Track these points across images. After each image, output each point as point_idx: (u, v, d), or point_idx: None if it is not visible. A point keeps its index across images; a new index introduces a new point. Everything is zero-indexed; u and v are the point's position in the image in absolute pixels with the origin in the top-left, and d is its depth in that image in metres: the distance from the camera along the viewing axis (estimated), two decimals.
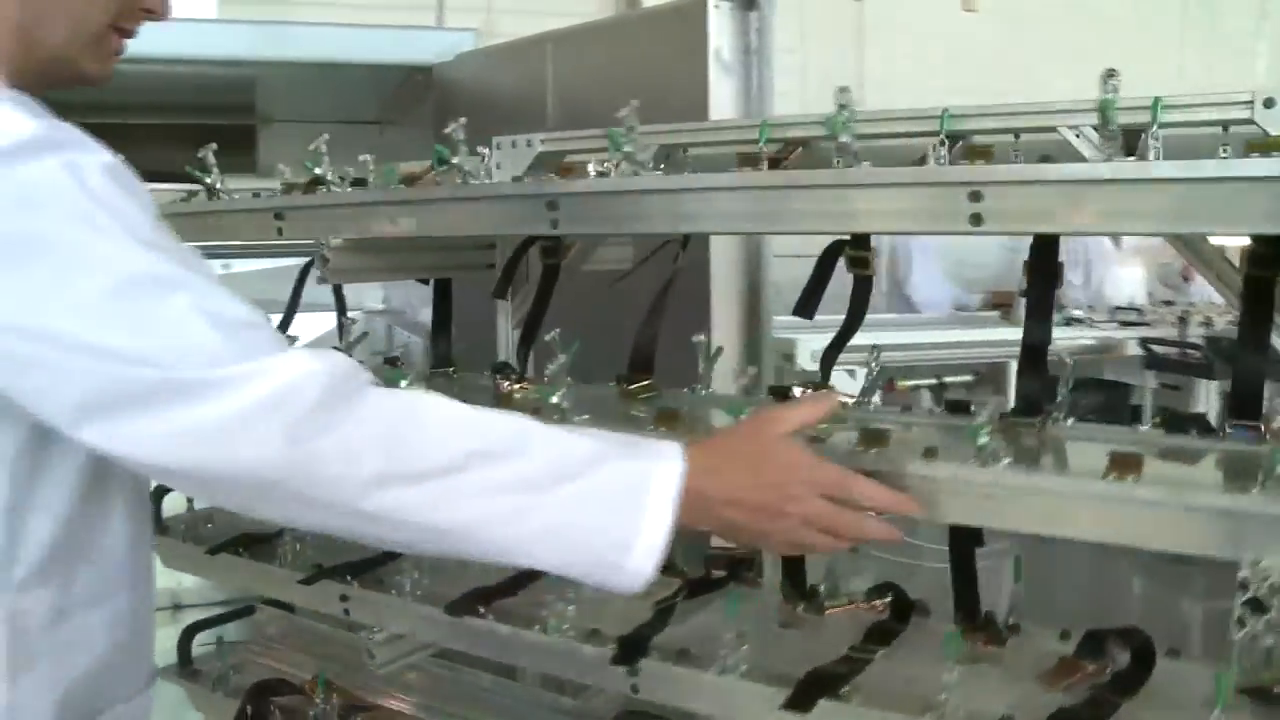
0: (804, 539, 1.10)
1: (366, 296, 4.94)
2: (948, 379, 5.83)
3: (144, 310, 0.99)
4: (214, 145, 1.65)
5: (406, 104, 3.72)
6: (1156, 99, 1.16)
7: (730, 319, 2.35)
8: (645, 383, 1.62)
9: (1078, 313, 6.32)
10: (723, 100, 2.25)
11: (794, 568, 1.59)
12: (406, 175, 1.71)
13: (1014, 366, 5.03)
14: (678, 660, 1.39)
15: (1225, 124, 1.16)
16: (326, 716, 1.76)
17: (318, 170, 1.60)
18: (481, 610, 1.55)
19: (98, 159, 1.03)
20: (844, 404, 1.42)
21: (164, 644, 1.63)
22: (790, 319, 6.16)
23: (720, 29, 2.27)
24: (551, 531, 1.03)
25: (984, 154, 1.32)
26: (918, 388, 6.08)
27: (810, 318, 1.68)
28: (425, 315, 2.42)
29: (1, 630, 1.06)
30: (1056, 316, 6.69)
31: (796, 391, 1.54)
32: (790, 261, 7.67)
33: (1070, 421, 1.36)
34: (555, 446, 1.04)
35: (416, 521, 1.01)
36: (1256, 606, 1.03)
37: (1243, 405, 1.29)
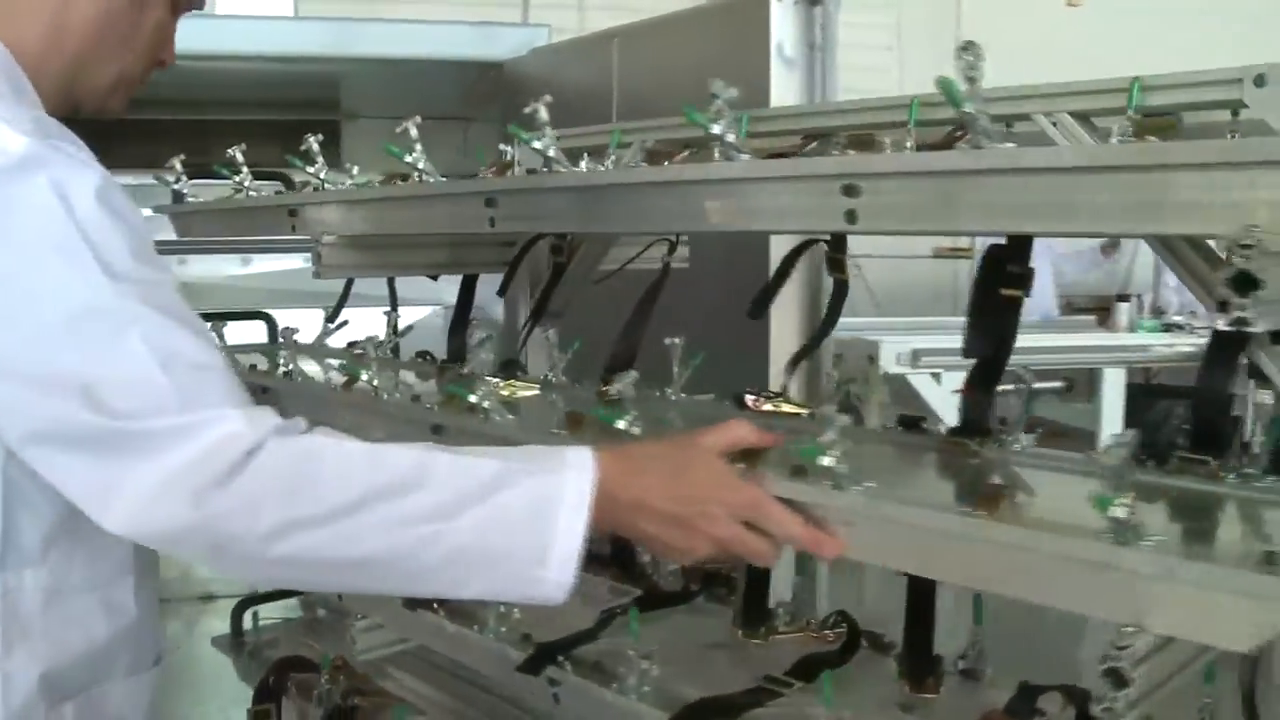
0: (710, 556, 1.08)
1: (446, 293, 4.97)
2: (1037, 385, 5.67)
3: (96, 347, 1.02)
4: (319, 136, 1.67)
5: (485, 100, 3.73)
6: (1135, 80, 1.06)
7: (790, 322, 2.29)
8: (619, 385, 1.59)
9: (1177, 318, 6.10)
10: (785, 95, 2.21)
11: (755, 590, 1.55)
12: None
13: (1108, 374, 4.92)
14: (589, 673, 1.39)
15: (1228, 106, 1.00)
16: (330, 695, 1.82)
17: (407, 158, 1.52)
18: (435, 606, 1.61)
19: (88, 181, 1.05)
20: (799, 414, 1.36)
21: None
22: (874, 320, 6.14)
23: (783, 24, 2.23)
24: (464, 556, 1.03)
25: (866, 144, 1.24)
26: (1004, 393, 5.93)
27: (756, 318, 1.64)
28: (499, 312, 2.41)
29: None
30: (1154, 322, 6.49)
31: (749, 399, 1.46)
32: (878, 263, 7.54)
33: (1024, 441, 1.31)
34: (456, 473, 1.04)
35: (329, 560, 1.04)
36: (1117, 680, 0.91)
37: (1203, 433, 1.17)
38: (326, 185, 1.89)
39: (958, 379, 5.11)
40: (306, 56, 3.50)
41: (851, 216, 1.10)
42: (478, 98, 3.81)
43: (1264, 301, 0.81)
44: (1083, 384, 6.20)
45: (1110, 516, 0.89)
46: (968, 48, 1.03)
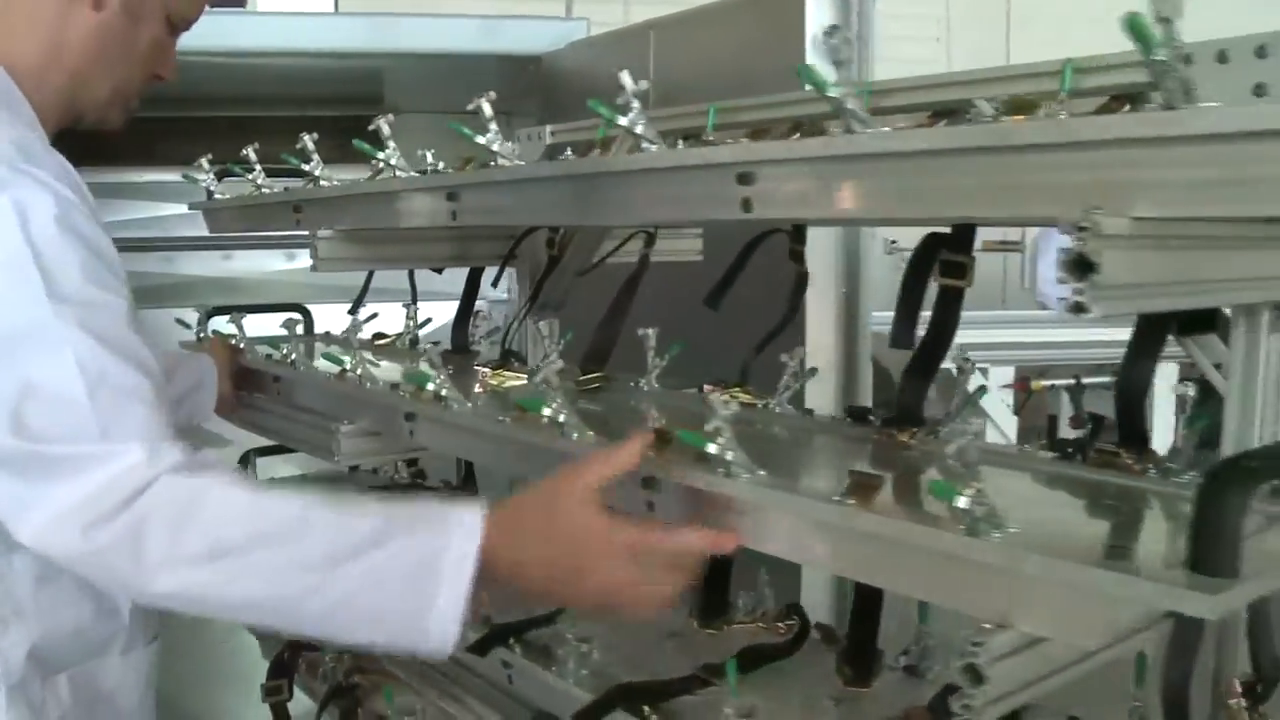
0: (608, 604, 1.12)
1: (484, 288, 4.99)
2: (1086, 380, 5.58)
3: (26, 366, 1.10)
4: (390, 116, 1.68)
5: (524, 93, 3.72)
6: (1069, 61, 1.04)
7: (827, 315, 2.26)
8: (597, 374, 1.68)
9: None
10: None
11: (715, 580, 1.58)
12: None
13: (1161, 369, 4.76)
14: (536, 656, 1.46)
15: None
16: (333, 673, 1.91)
17: (490, 144, 1.47)
18: None
19: (48, 204, 1.13)
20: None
21: None
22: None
23: (818, 13, 2.19)
24: (347, 608, 1.08)
25: (760, 132, 1.25)
26: (1053, 388, 5.84)
27: (713, 308, 1.65)
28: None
29: None
30: None
31: (707, 389, 1.49)
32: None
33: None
34: (336, 529, 1.09)
35: (214, 599, 1.09)
36: (974, 676, 0.89)
37: (1123, 426, 1.19)
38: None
39: (1005, 374, 5.14)
40: (347, 52, 3.51)
41: (747, 205, 1.12)
42: (518, 91, 3.81)
43: (1102, 286, 0.80)
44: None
45: (954, 506, 0.92)
46: (832, 32, 1.05)
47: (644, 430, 1.16)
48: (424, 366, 1.52)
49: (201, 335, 2.28)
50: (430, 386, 1.52)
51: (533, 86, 3.50)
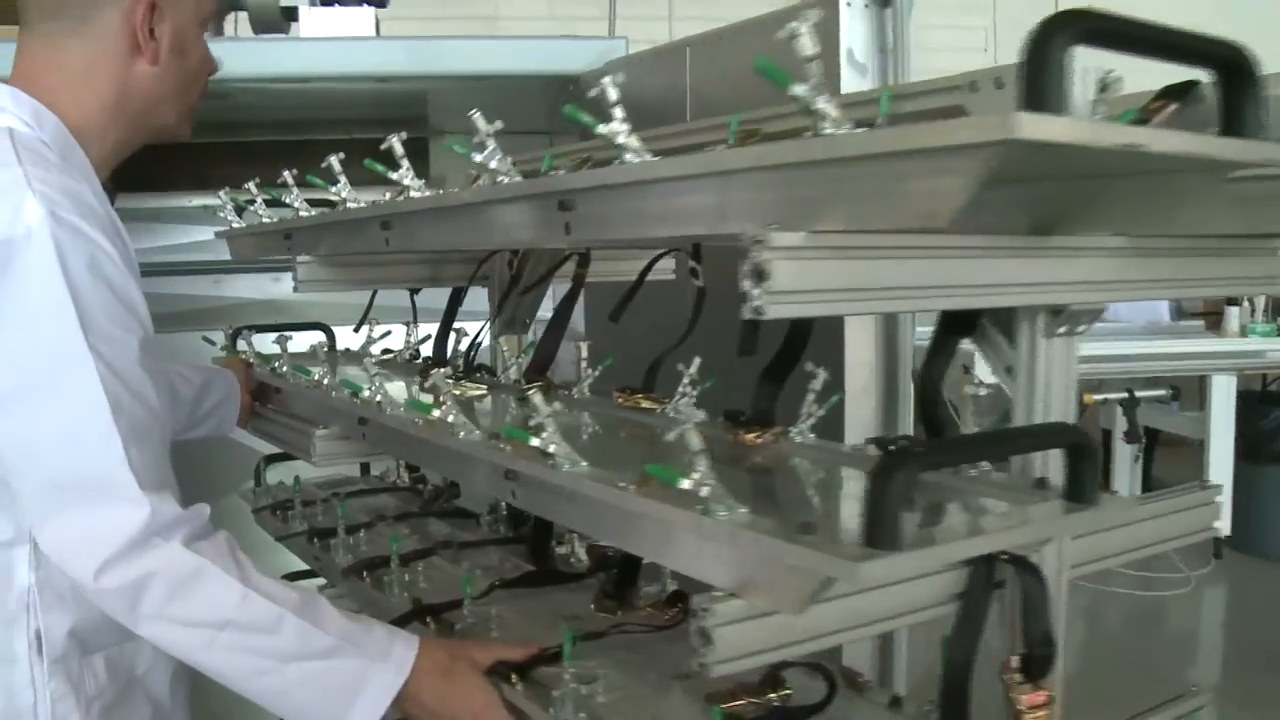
0: None
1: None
2: (1140, 393, 5.49)
3: (62, 395, 1.27)
4: (401, 135, 1.77)
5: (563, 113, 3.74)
6: (889, 88, 1.13)
7: (865, 336, 2.23)
8: (539, 383, 1.87)
9: None
10: None
11: (625, 571, 1.78)
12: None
13: (1218, 381, 4.79)
14: (447, 632, 1.70)
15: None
16: None
17: (483, 160, 1.51)
18: (364, 575, 1.98)
19: (84, 252, 1.29)
20: None
21: None
22: None
23: (853, 28, 2.16)
24: (283, 695, 1.35)
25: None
26: (1106, 401, 5.75)
27: (615, 321, 1.82)
28: (581, 327, 2.53)
29: (32, 575, 1.38)
30: (1268, 326, 6.27)
31: (615, 395, 1.78)
32: None
33: (810, 436, 1.49)
34: (300, 634, 1.33)
35: (183, 654, 1.34)
36: (703, 637, 1.03)
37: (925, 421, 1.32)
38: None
39: None
40: (389, 75, 3.55)
41: (568, 229, 1.31)
42: (559, 110, 3.82)
43: (774, 291, 0.93)
44: (1193, 392, 5.98)
45: (679, 488, 1.09)
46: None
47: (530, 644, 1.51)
48: (369, 379, 1.80)
49: (225, 349, 2.46)
50: (365, 393, 1.79)
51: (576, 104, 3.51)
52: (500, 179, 1.42)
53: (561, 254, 2.05)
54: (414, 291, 2.38)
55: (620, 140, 1.22)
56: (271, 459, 2.67)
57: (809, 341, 1.54)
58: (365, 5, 3.79)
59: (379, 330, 2.37)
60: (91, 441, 1.28)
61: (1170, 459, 6.79)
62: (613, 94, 1.25)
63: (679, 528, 1.14)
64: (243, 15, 4.08)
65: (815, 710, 1.37)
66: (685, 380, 1.64)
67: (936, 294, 1.10)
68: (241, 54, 3.43)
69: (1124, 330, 6.73)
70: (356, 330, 2.38)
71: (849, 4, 2.17)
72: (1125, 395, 5.46)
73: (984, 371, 4.59)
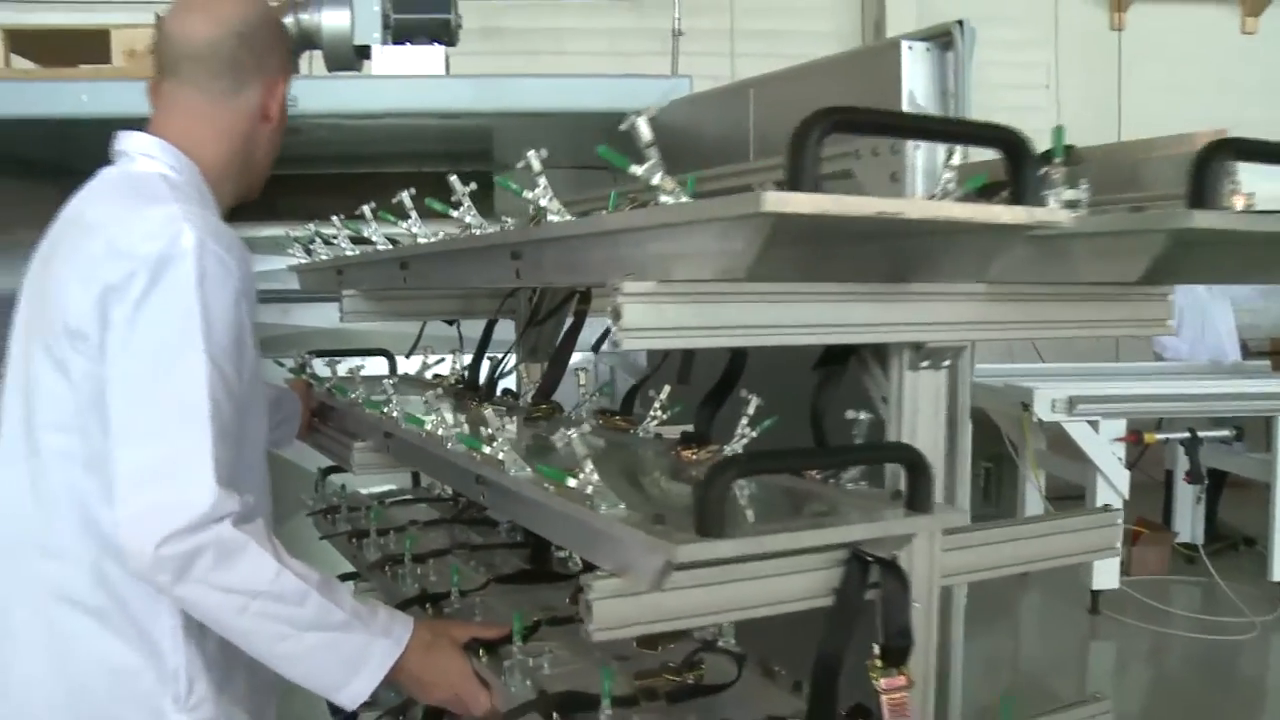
0: (439, 705, 1.74)
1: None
2: (1204, 434, 5.43)
3: (174, 384, 1.50)
4: (470, 185, 1.89)
5: (633, 148, 3.79)
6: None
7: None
8: (546, 405, 2.14)
9: None
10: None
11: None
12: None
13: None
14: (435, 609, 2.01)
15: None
16: None
17: (537, 199, 1.59)
18: (386, 569, 2.29)
19: (220, 276, 1.53)
20: None
21: None
22: (1032, 366, 6.02)
23: (914, 71, 2.18)
24: (296, 659, 1.56)
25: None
26: (1167, 441, 5.70)
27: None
28: (642, 359, 2.60)
29: None
30: None
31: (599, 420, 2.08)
32: None
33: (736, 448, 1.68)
34: (320, 608, 1.54)
35: (212, 616, 1.51)
36: (588, 609, 1.24)
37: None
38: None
39: (1117, 427, 5.05)
40: (458, 112, 3.63)
41: (518, 274, 1.59)
42: (629, 146, 3.88)
43: (626, 328, 1.17)
44: (1259, 433, 5.90)
45: (568, 485, 1.36)
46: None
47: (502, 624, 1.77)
48: (389, 401, 2.10)
49: (294, 371, 2.71)
50: (388, 409, 2.08)
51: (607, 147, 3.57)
52: (552, 217, 1.52)
53: (565, 292, 2.22)
54: (450, 322, 2.64)
55: (655, 181, 1.30)
56: (330, 470, 2.89)
57: (744, 371, 1.74)
58: (435, 44, 3.90)
59: (433, 358, 2.57)
60: (187, 431, 1.48)
61: (1238, 500, 6.70)
62: (645, 133, 1.32)
63: (573, 519, 1.37)
64: (317, 53, 4.22)
65: (717, 690, 1.61)
66: (744, 420, 1.73)
67: (780, 332, 1.27)
68: (316, 91, 3.54)
69: (1187, 369, 6.67)
70: (408, 357, 2.63)
71: (910, 48, 2.19)
72: (1187, 435, 5.41)
73: (1042, 409, 4.55)
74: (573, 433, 1.33)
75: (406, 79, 3.74)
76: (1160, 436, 5.61)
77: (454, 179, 1.86)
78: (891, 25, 8.12)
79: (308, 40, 4.15)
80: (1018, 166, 1.28)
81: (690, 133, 3.15)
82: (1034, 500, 6.11)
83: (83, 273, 1.53)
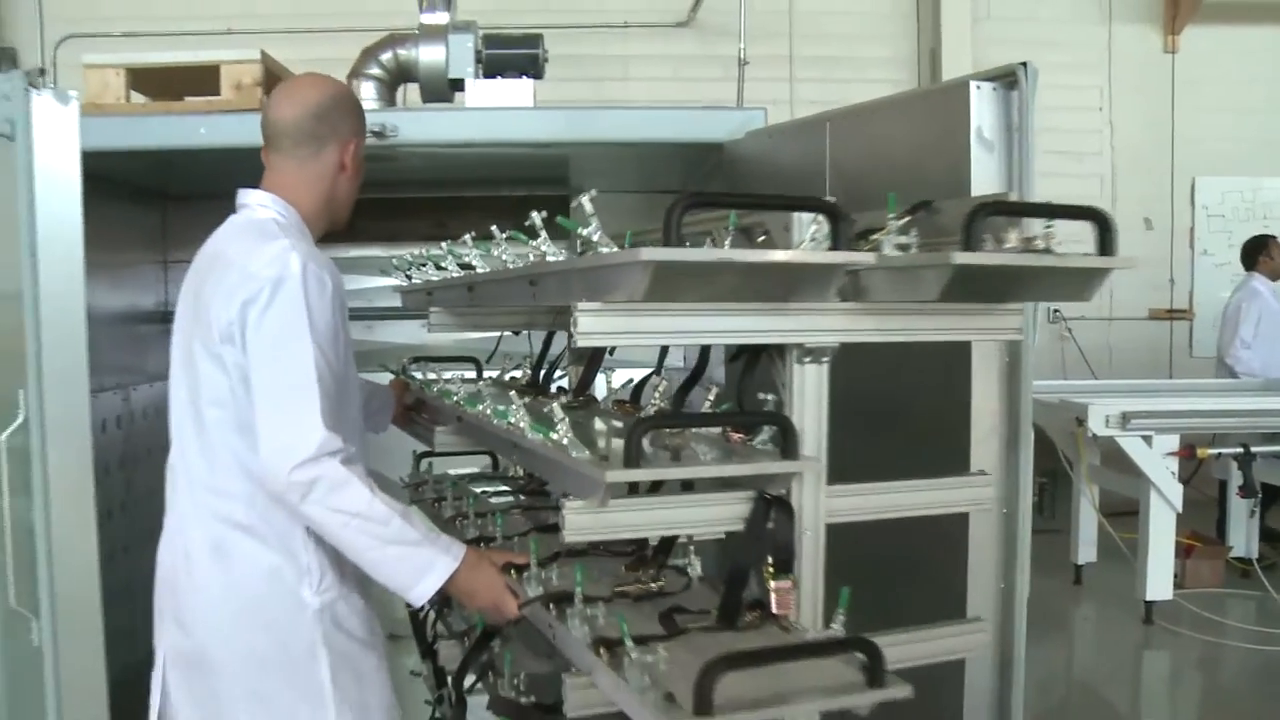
0: (480, 610, 2.23)
1: (674, 355, 5.29)
2: (1257, 449, 5.54)
3: (290, 362, 2.08)
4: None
5: (706, 176, 4.01)
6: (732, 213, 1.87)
7: (990, 385, 2.44)
8: (582, 398, 2.58)
9: None
10: (984, 174, 2.38)
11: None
12: None
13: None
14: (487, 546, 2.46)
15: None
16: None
17: (589, 235, 1.94)
18: (457, 523, 2.79)
19: (318, 293, 2.12)
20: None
21: None
22: (1087, 383, 6.24)
23: (982, 109, 2.39)
24: (381, 565, 2.10)
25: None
26: (1220, 455, 5.81)
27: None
28: (720, 374, 2.84)
29: None
30: None
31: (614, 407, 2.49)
32: (1091, 325, 7.47)
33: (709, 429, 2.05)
34: (400, 529, 2.07)
35: (322, 527, 2.08)
36: (563, 520, 1.84)
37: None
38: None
39: (1171, 442, 5.27)
40: (548, 142, 3.86)
41: (535, 296, 2.15)
42: (702, 174, 4.10)
43: (582, 333, 1.72)
44: None
45: (551, 437, 1.88)
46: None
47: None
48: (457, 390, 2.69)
49: (395, 373, 3.25)
50: (459, 400, 2.59)
51: (715, 170, 3.79)
52: (601, 249, 1.92)
53: None
54: (515, 333, 3.13)
55: (595, 239, 1.92)
56: (424, 454, 3.40)
57: (707, 366, 2.28)
58: (524, 77, 4.13)
59: (512, 363, 3.21)
60: (302, 390, 2.06)
61: None
62: (589, 208, 1.92)
63: (559, 461, 1.89)
64: (413, 86, 4.47)
65: (672, 595, 2.08)
66: (658, 391, 2.25)
67: (690, 336, 1.83)
68: (414, 122, 3.81)
69: (1243, 386, 6.77)
70: (487, 363, 3.28)
71: (978, 87, 2.40)
72: (1240, 450, 5.52)
73: (1096, 424, 4.70)
74: (555, 405, 1.97)
75: (497, 111, 3.98)
76: (1213, 451, 5.72)
77: (536, 215, 2.22)
78: (947, 52, 8.27)
79: (405, 74, 4.40)
80: (834, 224, 1.77)
81: (767, 162, 3.37)
82: (1087, 514, 6.23)
83: (226, 293, 2.12)
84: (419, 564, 2.09)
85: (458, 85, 4.26)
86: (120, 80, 4.08)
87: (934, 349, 2.02)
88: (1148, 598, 5.64)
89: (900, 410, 2.62)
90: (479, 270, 2.62)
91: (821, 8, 8.43)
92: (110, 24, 7.70)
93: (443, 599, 2.42)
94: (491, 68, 4.21)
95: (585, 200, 1.92)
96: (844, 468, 1.96)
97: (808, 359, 1.88)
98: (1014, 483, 2.43)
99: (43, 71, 2.82)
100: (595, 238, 1.92)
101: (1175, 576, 5.80)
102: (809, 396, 1.89)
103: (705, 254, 1.69)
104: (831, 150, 2.89)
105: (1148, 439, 5.45)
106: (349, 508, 2.04)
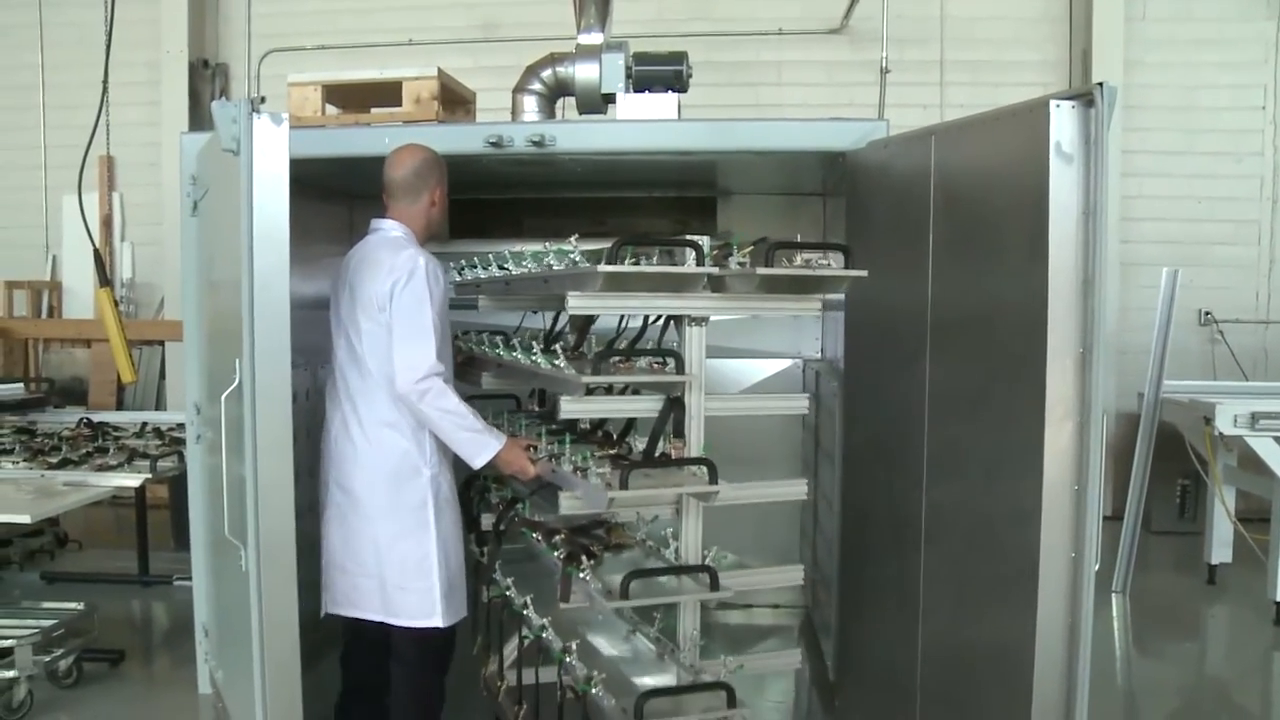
0: (511, 472, 3.52)
1: (805, 346, 5.59)
2: None
3: (418, 321, 3.37)
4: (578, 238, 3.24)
5: (840, 181, 4.32)
6: (730, 240, 2.78)
7: (1066, 373, 2.70)
8: (577, 352, 3.59)
9: None
10: (1063, 186, 2.65)
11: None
12: None
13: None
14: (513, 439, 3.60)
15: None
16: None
17: (573, 255, 3.10)
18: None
19: (434, 276, 3.40)
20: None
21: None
22: (1217, 384, 6.51)
23: (1061, 125, 2.65)
24: (461, 444, 3.41)
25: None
26: None
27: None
28: (653, 333, 3.44)
29: None
30: None
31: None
32: (1241, 327, 7.43)
33: None
34: (473, 422, 3.39)
35: (431, 423, 3.39)
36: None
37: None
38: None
39: None
40: (691, 151, 4.22)
41: (562, 301, 3.10)
42: (834, 178, 4.41)
43: (571, 308, 3.10)
44: None
45: (555, 364, 3.27)
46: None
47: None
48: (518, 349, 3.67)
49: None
50: (498, 352, 3.77)
51: (843, 176, 4.10)
52: (583, 264, 3.10)
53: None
54: (534, 311, 4.19)
55: (578, 259, 3.14)
56: (470, 398, 4.07)
57: (646, 328, 3.50)
58: (670, 92, 4.52)
59: (529, 334, 4.10)
60: (423, 334, 3.33)
61: None
62: (574, 243, 3.18)
63: (558, 376, 3.22)
64: (570, 99, 4.90)
65: (624, 456, 3.36)
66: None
67: (629, 310, 3.18)
68: (570, 133, 4.24)
69: None
70: (514, 333, 4.18)
71: (1058, 105, 2.67)
72: None
73: (1223, 423, 4.85)
74: (557, 347, 3.46)
75: (645, 123, 4.39)
76: None
77: (574, 240, 3.21)
78: (1098, 54, 8.29)
79: (563, 88, 4.84)
80: (697, 252, 3.00)
81: (885, 171, 3.67)
82: (1221, 514, 6.23)
83: (381, 279, 3.39)
84: (482, 443, 3.37)
85: (610, 99, 4.68)
86: (317, 95, 4.65)
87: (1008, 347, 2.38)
88: (1278, 598, 5.66)
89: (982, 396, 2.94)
90: (513, 271, 3.77)
91: (973, 13, 8.53)
92: (304, 39, 8.45)
93: (488, 477, 3.87)
94: (640, 83, 4.61)
95: (573, 240, 3.17)
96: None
97: (693, 324, 3.15)
98: (1085, 462, 2.68)
99: (263, 99, 3.44)
100: (578, 259, 3.12)
101: None
102: (694, 344, 3.15)
103: (626, 269, 2.92)
104: (936, 160, 3.17)
105: (1279, 439, 5.50)
106: (445, 406, 3.33)
